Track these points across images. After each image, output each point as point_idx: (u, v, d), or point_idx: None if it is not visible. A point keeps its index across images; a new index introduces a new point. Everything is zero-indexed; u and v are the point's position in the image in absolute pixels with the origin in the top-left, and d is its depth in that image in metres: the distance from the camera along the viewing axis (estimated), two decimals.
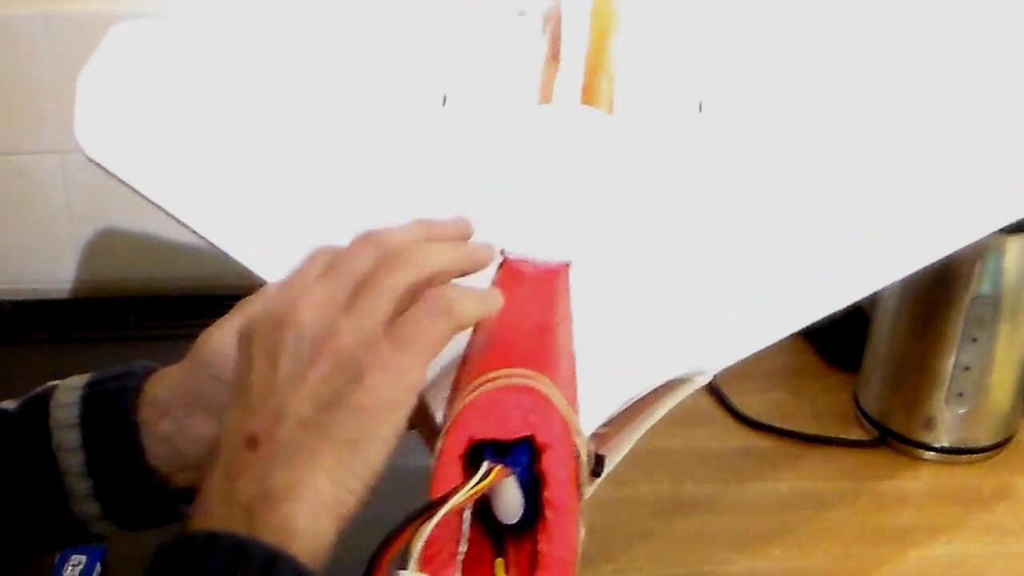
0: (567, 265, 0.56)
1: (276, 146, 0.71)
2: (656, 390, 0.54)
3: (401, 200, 0.66)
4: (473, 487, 0.45)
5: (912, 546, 0.82)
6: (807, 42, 0.79)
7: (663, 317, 0.58)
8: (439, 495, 0.44)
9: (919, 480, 0.89)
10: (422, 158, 0.68)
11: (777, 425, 0.92)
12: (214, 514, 0.44)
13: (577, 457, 0.47)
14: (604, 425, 0.51)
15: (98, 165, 0.69)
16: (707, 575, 0.80)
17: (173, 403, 0.58)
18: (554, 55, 0.72)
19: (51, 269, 1.09)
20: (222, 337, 0.57)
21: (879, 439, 0.92)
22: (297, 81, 0.76)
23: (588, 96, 0.68)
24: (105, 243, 1.08)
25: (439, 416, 0.50)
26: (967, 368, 0.88)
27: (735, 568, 0.80)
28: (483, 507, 0.47)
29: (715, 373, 0.56)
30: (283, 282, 0.49)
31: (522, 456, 0.46)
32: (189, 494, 0.58)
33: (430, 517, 0.43)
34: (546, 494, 0.46)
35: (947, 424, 0.90)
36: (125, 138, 0.71)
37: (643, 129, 0.69)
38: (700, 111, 0.72)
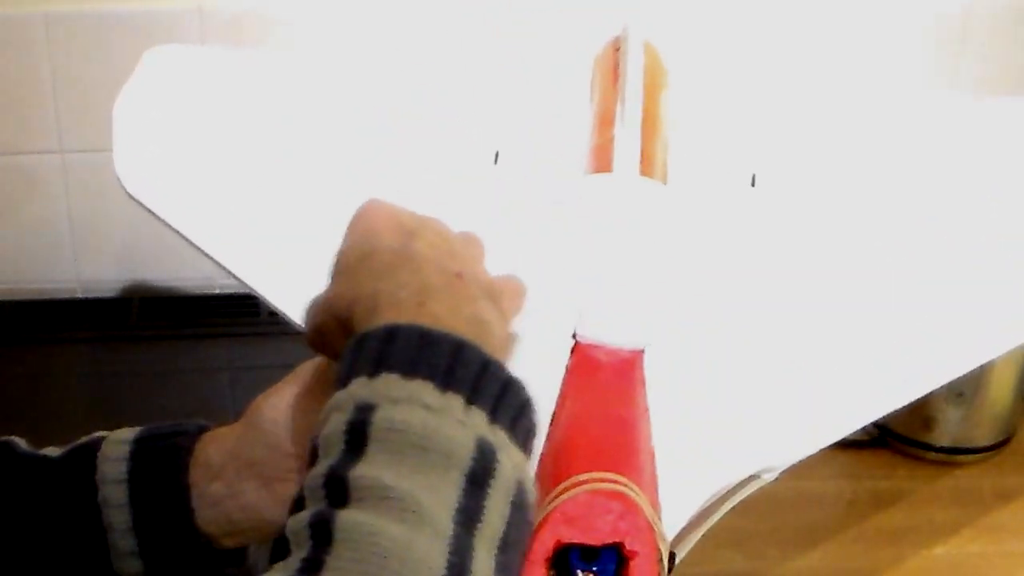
0: (642, 352, 0.55)
1: (314, 189, 0.69)
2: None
3: None
4: None
5: (912, 546, 0.82)
6: (857, 115, 0.78)
7: (736, 410, 0.56)
8: None
9: (919, 480, 0.89)
10: (473, 218, 0.67)
11: None
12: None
13: (660, 561, 0.47)
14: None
15: (138, 203, 0.67)
16: (706, 574, 0.80)
17: (225, 467, 0.56)
18: (604, 118, 0.70)
19: (51, 269, 1.09)
20: (277, 403, 0.56)
21: (879, 439, 0.92)
22: (337, 120, 0.74)
23: (645, 165, 0.66)
24: (105, 243, 1.08)
25: None
26: None
27: (735, 568, 0.80)
28: None
29: (784, 468, 0.55)
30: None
31: (609, 564, 0.46)
32: (233, 556, 0.58)
33: None
34: None
35: (947, 424, 0.90)
36: (164, 174, 0.69)
37: (698, 204, 0.67)
38: (753, 184, 0.71)
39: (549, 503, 0.46)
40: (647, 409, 0.53)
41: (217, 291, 1.06)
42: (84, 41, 1.00)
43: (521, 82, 0.79)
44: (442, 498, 0.40)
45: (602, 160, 0.67)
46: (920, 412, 0.90)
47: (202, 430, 0.58)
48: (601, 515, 0.46)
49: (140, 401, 0.98)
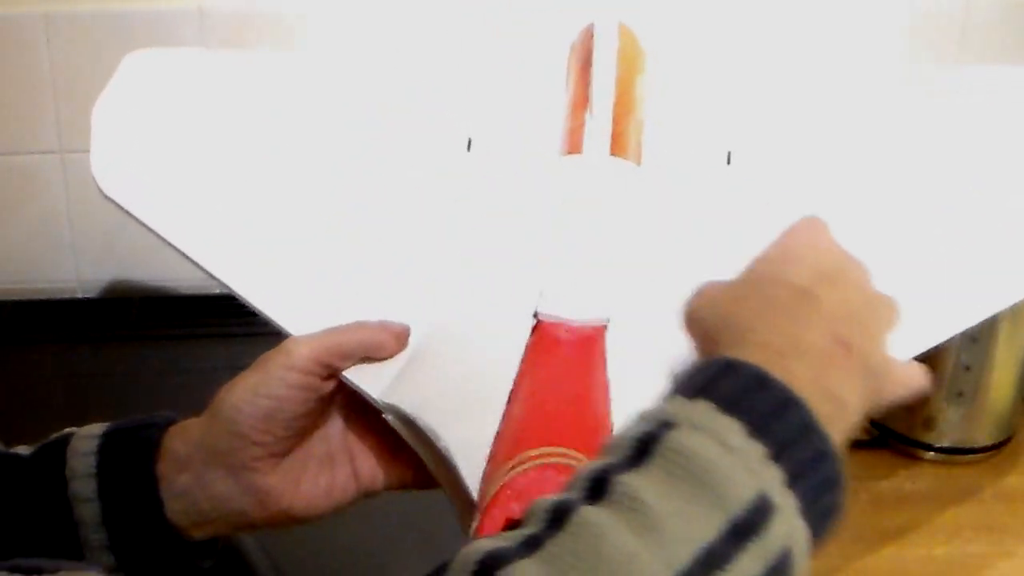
0: (604, 327, 0.56)
1: (294, 189, 0.70)
2: None
3: (425, 246, 0.65)
4: None
5: (912, 546, 0.82)
6: (833, 94, 0.79)
7: None
8: None
9: (919, 480, 0.89)
10: (448, 204, 0.67)
11: None
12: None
13: None
14: None
15: (114, 203, 0.68)
16: None
17: (192, 458, 0.57)
18: (577, 103, 0.70)
19: (51, 269, 1.09)
20: (242, 394, 0.56)
21: (879, 439, 0.92)
22: (316, 120, 0.74)
23: (617, 146, 0.67)
24: (105, 243, 1.08)
25: (472, 490, 0.49)
26: (967, 368, 0.88)
27: None
28: None
29: None
30: None
31: None
32: (203, 547, 0.59)
33: None
34: None
35: (947, 424, 0.90)
36: (141, 175, 0.70)
37: (672, 183, 0.68)
38: (729, 163, 0.71)
39: (500, 479, 0.47)
40: (607, 385, 0.53)
41: (216, 291, 1.06)
42: (84, 41, 1.00)
43: (497, 71, 0.79)
44: (693, 532, 0.39)
45: (574, 142, 0.67)
46: (920, 412, 0.90)
47: (170, 422, 0.59)
48: (550, 489, 0.45)
49: (140, 401, 0.98)
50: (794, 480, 0.41)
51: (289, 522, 0.59)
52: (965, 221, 0.67)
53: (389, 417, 0.56)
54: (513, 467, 0.47)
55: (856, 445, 0.91)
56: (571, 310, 0.56)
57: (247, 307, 0.65)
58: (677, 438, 0.40)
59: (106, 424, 0.59)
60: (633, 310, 0.57)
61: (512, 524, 0.45)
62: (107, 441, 0.58)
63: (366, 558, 0.75)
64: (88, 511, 0.57)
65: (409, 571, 0.76)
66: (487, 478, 0.49)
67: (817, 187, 0.70)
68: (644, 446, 0.40)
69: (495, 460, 0.49)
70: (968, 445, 0.91)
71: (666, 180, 0.68)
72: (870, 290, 0.48)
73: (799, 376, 0.43)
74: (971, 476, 0.90)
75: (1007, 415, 0.91)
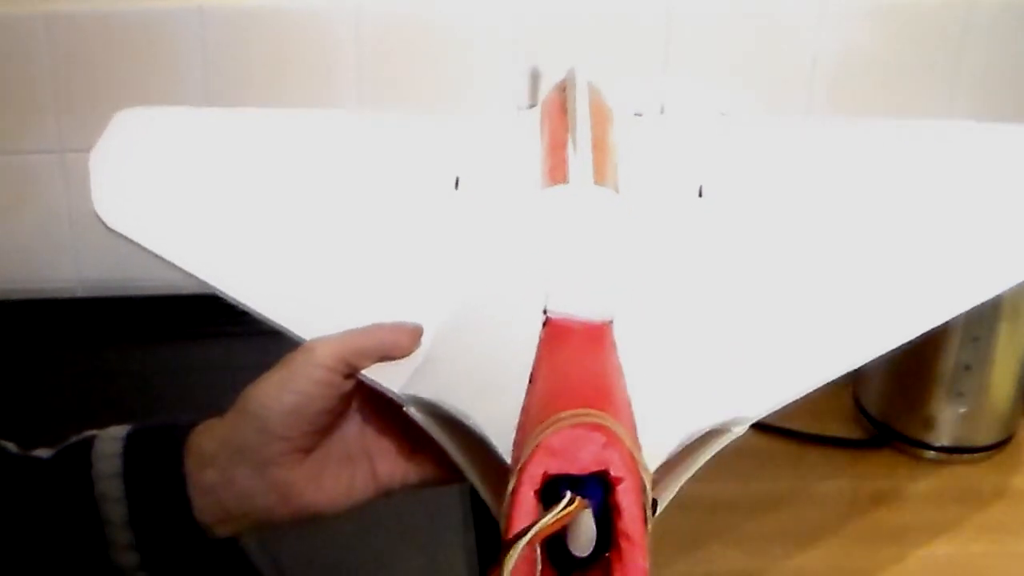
0: (610, 324, 0.58)
1: (290, 223, 0.72)
2: (697, 440, 0.56)
3: (421, 280, 0.67)
4: (556, 516, 0.46)
5: (912, 546, 0.82)
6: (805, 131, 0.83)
7: (700, 370, 0.60)
8: (516, 530, 0.45)
9: (919, 480, 0.89)
10: (440, 240, 0.70)
11: (777, 424, 0.92)
12: None
13: (645, 491, 0.49)
14: (655, 471, 0.52)
15: (120, 235, 0.71)
16: (706, 574, 0.80)
17: (217, 455, 0.58)
18: (556, 144, 0.74)
19: (51, 269, 1.09)
20: (268, 390, 0.58)
21: (879, 439, 0.92)
22: (309, 166, 0.77)
23: (599, 177, 0.70)
24: (105, 243, 1.08)
25: (506, 456, 0.51)
26: (968, 367, 0.88)
27: (734, 567, 0.80)
28: (550, 544, 0.48)
29: (752, 422, 0.58)
30: None
31: (596, 490, 0.47)
32: (225, 545, 0.60)
33: (513, 547, 0.44)
34: (620, 525, 0.47)
35: (947, 423, 0.90)
36: (143, 210, 0.72)
37: (649, 213, 0.72)
38: (700, 195, 0.75)
39: (534, 441, 0.48)
40: (619, 366, 0.55)
41: (217, 291, 1.06)
42: (84, 41, 1.00)
43: (479, 116, 0.83)
44: None
45: (557, 175, 0.71)
46: (920, 412, 0.90)
47: (193, 424, 0.60)
48: (584, 445, 0.47)
49: (140, 401, 0.98)
50: None
51: (310, 518, 0.60)
52: (935, 241, 0.70)
53: (410, 410, 0.58)
54: (546, 427, 0.48)
55: (856, 445, 0.92)
56: (578, 307, 0.58)
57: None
58: None
59: (128, 426, 0.60)
60: (632, 312, 0.60)
61: (550, 480, 0.46)
62: (132, 442, 0.59)
63: (366, 558, 0.75)
64: (115, 510, 0.57)
65: (409, 571, 0.76)
66: (519, 444, 0.50)
67: (788, 214, 0.74)
68: None
69: (525, 428, 0.51)
70: (968, 445, 0.91)
71: (644, 208, 0.72)
72: None
73: None
74: (971, 476, 0.90)
75: (1007, 415, 0.91)
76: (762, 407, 0.58)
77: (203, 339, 1.05)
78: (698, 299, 0.65)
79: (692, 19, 1.02)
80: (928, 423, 0.90)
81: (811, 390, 0.61)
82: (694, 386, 0.58)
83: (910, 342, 0.64)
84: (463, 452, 0.57)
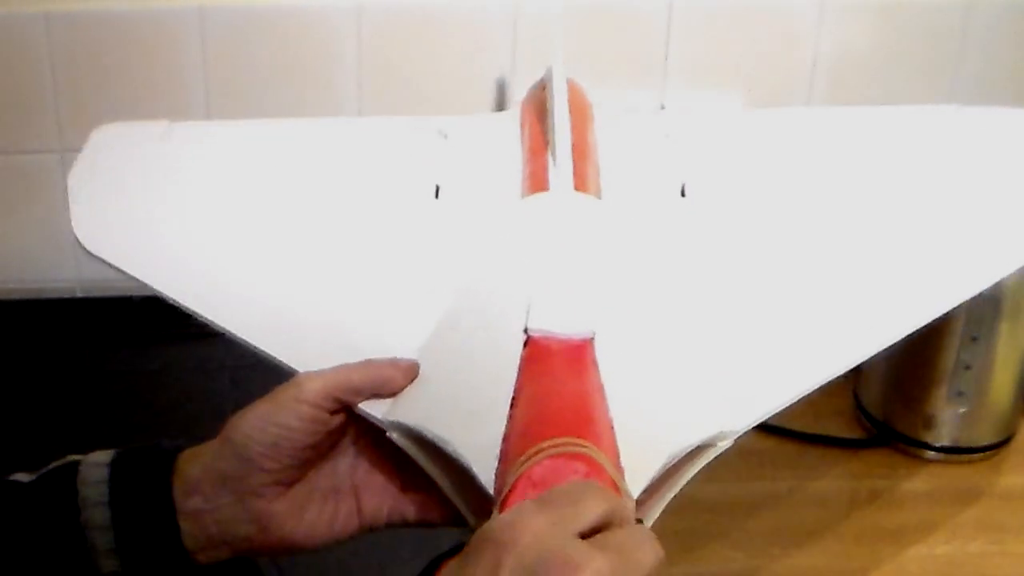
0: (591, 340, 0.58)
1: (269, 238, 0.72)
2: (683, 457, 0.55)
3: (403, 292, 0.67)
4: None
5: (912, 546, 0.82)
6: (787, 127, 0.83)
7: (684, 385, 0.59)
8: None
9: (919, 480, 0.89)
10: (421, 254, 0.70)
11: (777, 424, 0.92)
12: None
13: None
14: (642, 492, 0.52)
15: (100, 259, 0.71)
16: (706, 574, 0.80)
17: (202, 481, 0.58)
18: (536, 148, 0.74)
19: (51, 269, 1.09)
20: (253, 421, 0.58)
21: (879, 438, 0.92)
22: (287, 179, 0.77)
23: (579, 183, 0.70)
24: None
25: (488, 487, 0.51)
26: (968, 367, 0.88)
27: (734, 567, 0.80)
28: None
29: (736, 436, 0.57)
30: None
31: None
32: (207, 572, 0.60)
33: None
34: None
35: (947, 423, 0.90)
36: (122, 234, 0.72)
37: (632, 215, 0.71)
38: (683, 195, 0.74)
39: (516, 471, 0.48)
40: (601, 386, 0.55)
41: None
42: (84, 41, 1.00)
43: (456, 123, 0.83)
44: None
45: (537, 183, 0.70)
46: (920, 412, 0.90)
47: (179, 448, 0.60)
48: (566, 475, 0.47)
49: (140, 401, 0.98)
50: None
51: (290, 550, 0.60)
52: (921, 234, 0.70)
53: (394, 435, 0.57)
54: (528, 458, 0.48)
55: (856, 445, 0.92)
56: (559, 324, 0.58)
57: None
58: None
59: (112, 451, 0.60)
60: (614, 325, 0.59)
61: None
62: (118, 468, 0.59)
63: (366, 558, 0.75)
64: (102, 538, 0.57)
65: (409, 571, 0.76)
66: (501, 474, 0.50)
67: (771, 211, 0.73)
68: None
69: (507, 457, 0.50)
70: (968, 445, 0.91)
71: (626, 213, 0.71)
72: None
73: None
74: (971, 476, 0.90)
75: (1007, 415, 0.91)
76: (750, 418, 0.58)
77: (203, 339, 1.04)
78: (682, 308, 0.64)
79: (692, 19, 1.02)
80: (928, 423, 0.90)
81: (807, 392, 0.60)
82: (678, 401, 0.58)
83: (910, 338, 0.63)
84: (447, 477, 0.56)
